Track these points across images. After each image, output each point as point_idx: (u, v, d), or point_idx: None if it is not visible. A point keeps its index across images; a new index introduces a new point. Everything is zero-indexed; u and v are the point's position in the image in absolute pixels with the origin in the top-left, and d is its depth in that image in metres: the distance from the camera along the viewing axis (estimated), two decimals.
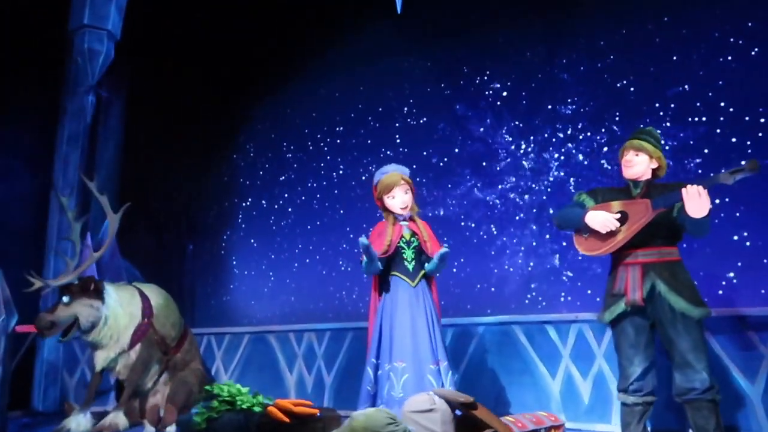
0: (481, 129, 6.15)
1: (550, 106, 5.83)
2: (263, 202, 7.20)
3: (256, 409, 3.27)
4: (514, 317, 5.23)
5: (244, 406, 3.32)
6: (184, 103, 7.44)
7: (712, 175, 3.44)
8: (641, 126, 3.94)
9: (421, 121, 6.47)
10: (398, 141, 6.54)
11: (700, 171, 5.04)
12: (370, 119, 6.69)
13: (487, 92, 6.14)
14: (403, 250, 3.95)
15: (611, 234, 3.51)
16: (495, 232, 5.90)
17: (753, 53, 4.87)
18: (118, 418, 4.71)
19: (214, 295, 7.15)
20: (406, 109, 6.56)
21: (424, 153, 6.37)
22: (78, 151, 7.03)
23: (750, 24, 4.98)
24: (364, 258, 3.71)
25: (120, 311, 4.75)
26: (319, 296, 6.55)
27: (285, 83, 7.11)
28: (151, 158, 7.47)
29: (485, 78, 6.16)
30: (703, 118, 5.05)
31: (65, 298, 4.61)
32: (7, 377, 4.53)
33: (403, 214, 4.05)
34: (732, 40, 5.04)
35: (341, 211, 6.73)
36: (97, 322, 4.62)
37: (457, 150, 6.22)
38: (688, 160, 5.19)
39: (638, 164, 3.58)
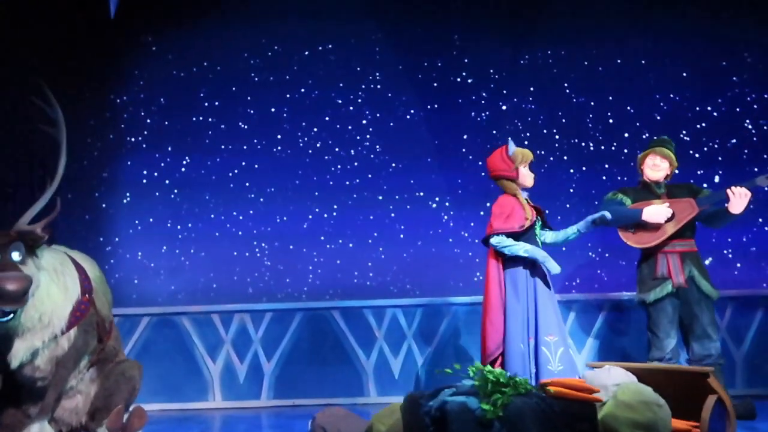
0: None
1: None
2: (163, 149, 5.76)
3: (551, 390, 2.60)
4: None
5: (528, 389, 2.63)
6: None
7: (754, 179, 4.18)
8: None
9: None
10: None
11: None
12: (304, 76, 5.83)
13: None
14: (534, 226, 3.94)
15: (659, 228, 4.12)
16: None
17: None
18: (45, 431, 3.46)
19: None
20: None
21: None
22: None
23: None
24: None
25: (54, 282, 3.46)
26: (243, 273, 5.54)
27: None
28: None
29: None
30: None
31: (16, 254, 3.21)
32: None
33: (527, 191, 4.05)
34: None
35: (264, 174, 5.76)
36: (32, 294, 3.31)
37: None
38: None
39: (663, 169, 4.25)
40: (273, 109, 5.85)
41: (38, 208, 3.51)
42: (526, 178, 3.97)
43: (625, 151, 5.72)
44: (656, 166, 4.20)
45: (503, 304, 3.76)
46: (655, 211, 4.08)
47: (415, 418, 2.68)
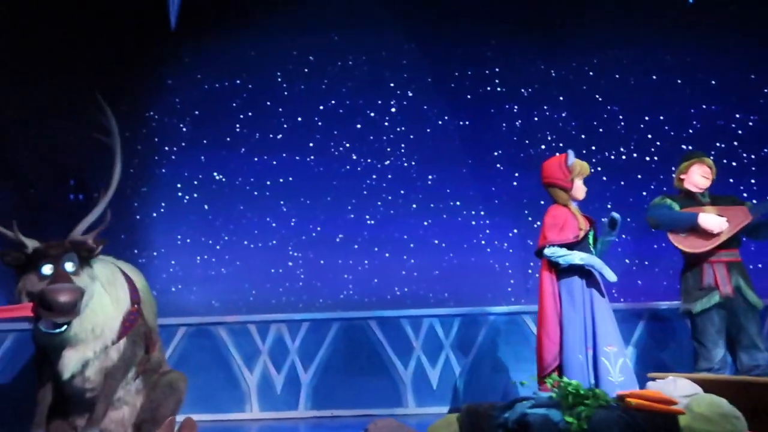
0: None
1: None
2: (196, 161, 5.81)
3: (632, 402, 2.59)
4: (524, 307, 5.20)
5: (608, 401, 2.62)
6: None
7: None
8: None
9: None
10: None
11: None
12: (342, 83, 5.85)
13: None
14: (588, 236, 3.95)
15: (712, 234, 4.11)
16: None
17: None
18: None
19: None
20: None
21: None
22: None
23: None
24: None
25: (106, 293, 3.49)
26: (278, 283, 5.54)
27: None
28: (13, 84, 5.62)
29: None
30: None
31: (70, 265, 3.25)
32: None
33: (577, 202, 4.07)
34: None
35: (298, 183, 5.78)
36: (86, 305, 3.33)
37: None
38: None
39: (710, 179, 4.34)
40: (306, 121, 5.88)
41: (92, 219, 3.55)
42: (579, 190, 3.97)
43: (656, 158, 5.75)
44: (707, 173, 4.27)
45: (559, 316, 3.75)
46: (711, 220, 4.09)
47: (484, 430, 2.66)
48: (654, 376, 3.27)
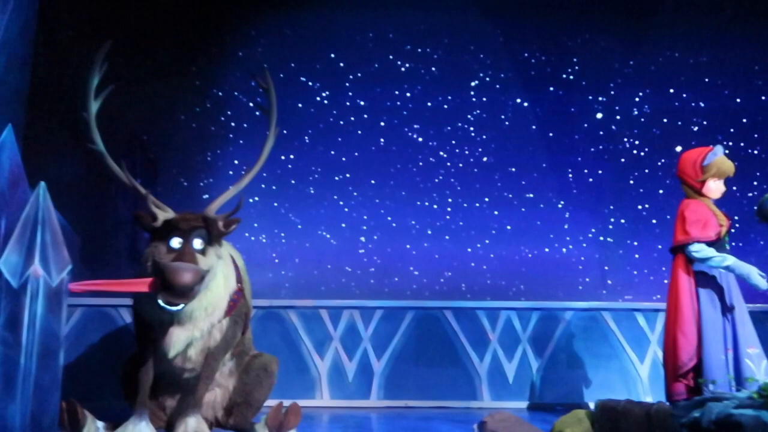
0: None
1: None
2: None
3: None
4: (603, 304, 5.10)
5: None
6: None
7: None
8: None
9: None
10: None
11: None
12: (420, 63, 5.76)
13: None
14: (725, 234, 3.80)
15: None
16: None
17: None
18: (201, 426, 3.35)
19: None
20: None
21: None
22: None
23: None
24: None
25: (221, 272, 3.39)
26: (349, 269, 5.52)
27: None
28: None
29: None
30: None
31: (198, 242, 3.10)
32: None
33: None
34: None
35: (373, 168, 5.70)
36: (206, 285, 3.21)
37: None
38: None
39: None
40: (379, 105, 5.80)
41: (231, 196, 3.46)
42: (713, 191, 3.80)
43: (738, 159, 5.59)
44: None
45: (696, 314, 3.62)
46: None
47: (621, 428, 2.56)
48: None
